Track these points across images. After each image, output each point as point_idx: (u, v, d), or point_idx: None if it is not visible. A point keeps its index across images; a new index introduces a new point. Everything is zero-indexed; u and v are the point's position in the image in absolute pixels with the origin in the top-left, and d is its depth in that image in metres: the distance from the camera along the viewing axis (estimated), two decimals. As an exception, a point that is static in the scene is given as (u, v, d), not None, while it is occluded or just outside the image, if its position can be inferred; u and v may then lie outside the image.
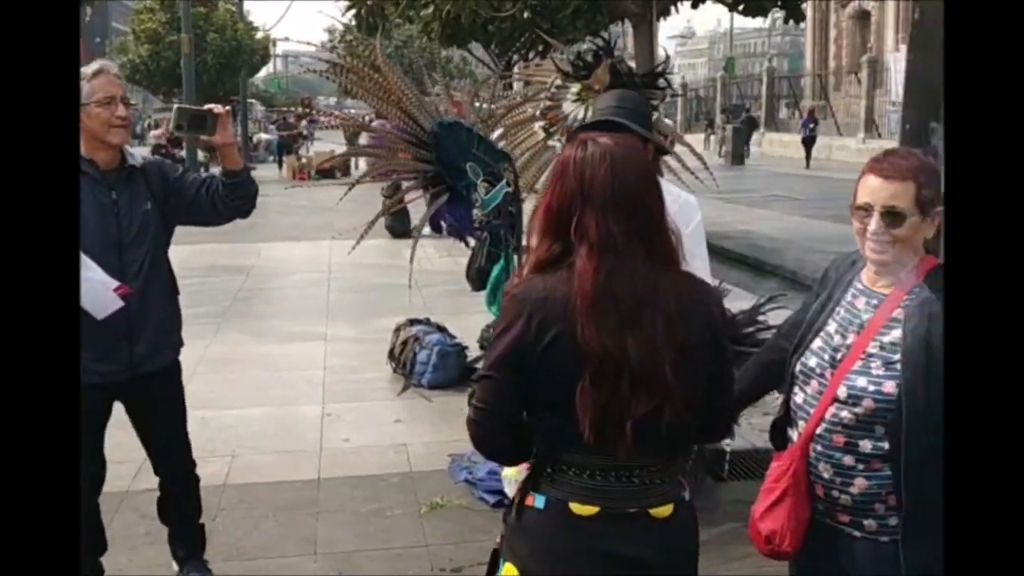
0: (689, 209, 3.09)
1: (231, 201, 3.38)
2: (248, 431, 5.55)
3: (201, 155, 24.47)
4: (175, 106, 3.47)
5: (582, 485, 1.92)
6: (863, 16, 39.07)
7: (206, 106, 3.31)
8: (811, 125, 29.33)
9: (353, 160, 21.75)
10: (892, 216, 2.14)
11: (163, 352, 3.43)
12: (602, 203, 1.88)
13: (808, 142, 28.62)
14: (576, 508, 1.91)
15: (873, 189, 2.18)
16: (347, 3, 12.96)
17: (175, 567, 3.72)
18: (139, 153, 3.52)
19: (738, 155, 28.83)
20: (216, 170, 3.47)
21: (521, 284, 1.95)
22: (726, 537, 4.17)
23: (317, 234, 14.01)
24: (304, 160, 25.12)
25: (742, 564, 3.94)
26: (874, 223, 2.16)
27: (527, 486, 1.99)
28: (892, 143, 22.84)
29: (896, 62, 23.70)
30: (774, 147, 33.06)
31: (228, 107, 3.45)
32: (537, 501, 1.96)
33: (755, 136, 32.95)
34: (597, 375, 1.83)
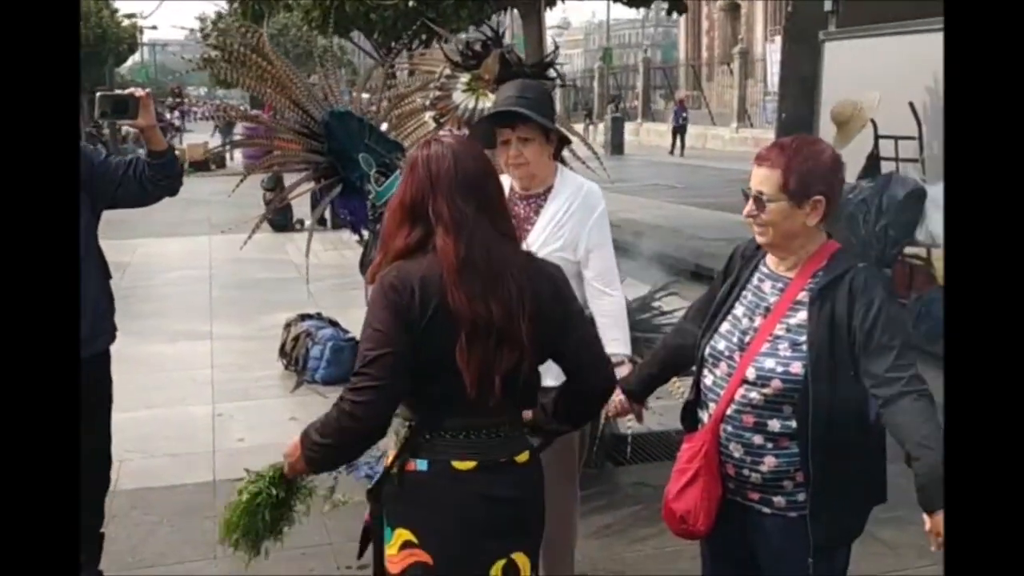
0: (592, 198, 3.11)
1: (159, 180, 3.45)
2: (136, 434, 5.35)
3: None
4: (97, 94, 3.44)
5: (459, 444, 2.16)
6: (734, 8, 40.24)
7: (127, 90, 3.39)
8: (683, 115, 30.34)
9: (228, 152, 21.23)
10: (759, 201, 2.26)
11: (101, 336, 3.47)
12: (449, 188, 2.15)
13: (679, 131, 29.63)
14: (457, 465, 2.16)
15: (752, 176, 2.30)
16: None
17: None
18: None
19: (617, 144, 29.32)
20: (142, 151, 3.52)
21: (394, 269, 2.14)
22: (629, 520, 4.25)
23: (195, 229, 13.61)
24: (177, 152, 24.29)
25: (644, 545, 4.02)
26: (746, 207, 2.29)
27: (405, 455, 2.18)
28: (766, 132, 23.51)
29: (771, 53, 24.52)
30: (651, 137, 33.75)
31: (149, 90, 3.46)
32: (419, 465, 2.17)
33: (631, 126, 33.59)
34: (471, 336, 2.08)
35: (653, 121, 36.03)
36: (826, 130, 8.01)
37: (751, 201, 2.28)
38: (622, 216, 13.69)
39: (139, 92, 3.35)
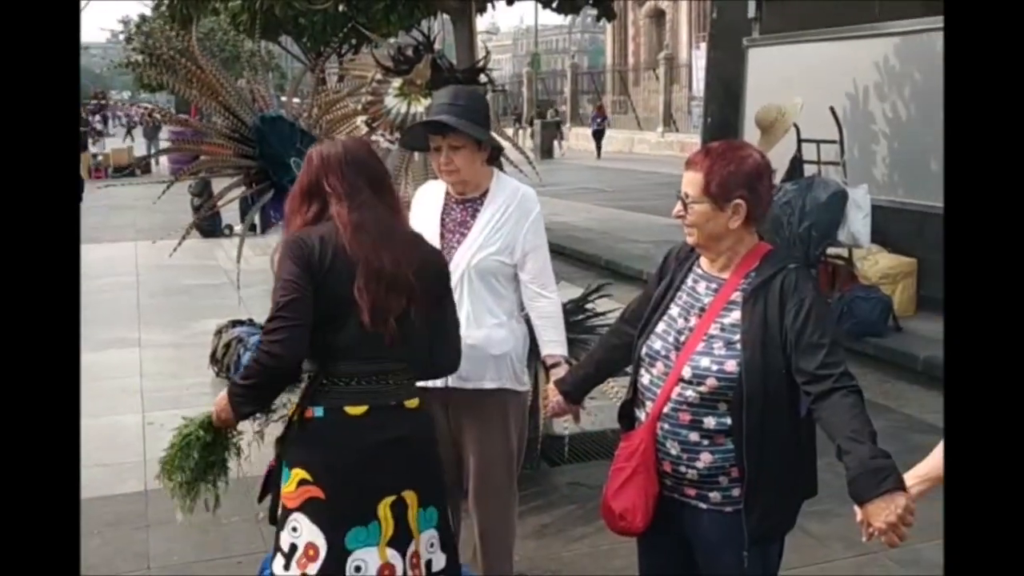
0: (528, 201, 3.15)
1: None
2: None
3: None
4: None
5: (351, 391, 2.43)
6: (659, 15, 40.78)
7: None
8: (599, 119, 31.80)
9: (154, 157, 20.81)
10: (684, 202, 2.35)
11: None
12: (340, 166, 2.48)
13: (597, 135, 30.89)
14: (350, 410, 2.42)
15: (683, 178, 2.37)
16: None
17: None
18: None
19: (547, 149, 29.52)
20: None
21: (297, 232, 2.45)
22: (566, 519, 4.30)
23: (119, 235, 13.33)
24: (100, 157, 23.78)
25: (581, 544, 4.07)
26: (676, 207, 2.38)
27: (304, 403, 2.44)
28: (691, 136, 23.86)
29: (696, 59, 24.90)
30: (580, 141, 34.01)
31: None
32: (316, 411, 2.43)
33: (560, 130, 33.90)
34: (367, 277, 2.37)
35: (581, 126, 36.33)
36: (751, 134, 8.20)
37: (679, 202, 2.36)
38: (554, 219, 13.79)
39: None
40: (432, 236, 3.10)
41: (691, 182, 2.33)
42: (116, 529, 4.23)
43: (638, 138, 31.92)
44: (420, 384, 3.10)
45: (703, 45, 19.02)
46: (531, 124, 32.58)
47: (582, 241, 12.33)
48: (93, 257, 11.85)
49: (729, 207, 2.31)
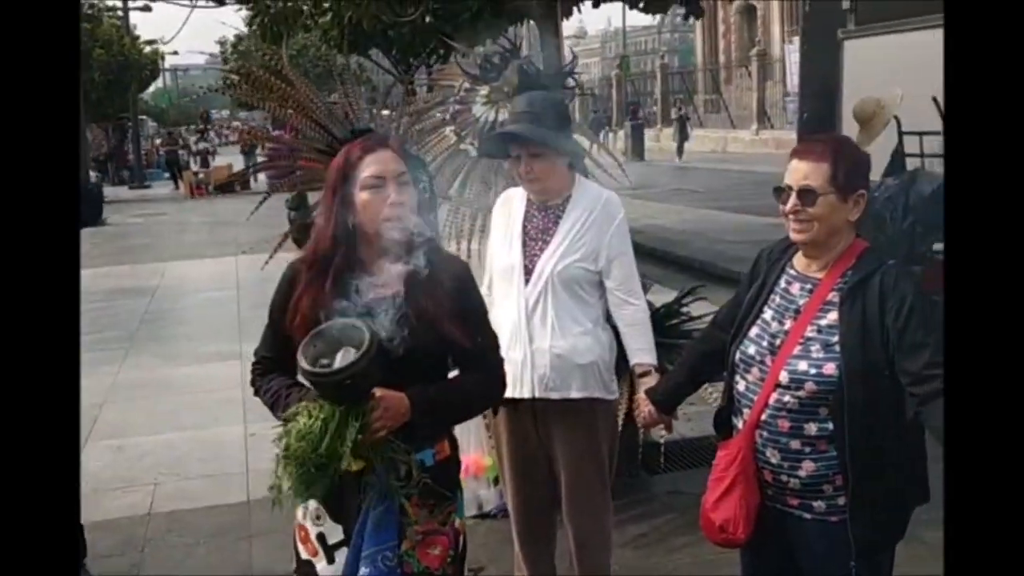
0: (612, 206, 3.10)
1: None
2: (169, 457, 5.39)
3: (94, 176, 23.74)
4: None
5: None
6: (750, 11, 40.08)
7: None
8: (633, 122, 31.07)
9: (252, 174, 21.41)
10: (806, 194, 2.22)
11: None
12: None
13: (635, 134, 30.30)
14: None
15: (791, 171, 2.27)
16: (249, 12, 12.67)
17: None
18: None
19: (637, 151, 29.30)
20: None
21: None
22: (665, 529, 4.22)
23: (221, 250, 13.69)
24: (202, 175, 24.56)
25: (683, 554, 3.98)
26: (790, 202, 2.24)
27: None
28: (787, 133, 23.32)
29: (790, 54, 24.40)
30: (671, 142, 33.65)
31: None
32: None
33: (651, 132, 33.53)
34: None
35: (673, 127, 35.96)
36: (849, 128, 7.95)
37: (795, 195, 2.23)
38: (645, 223, 13.67)
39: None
40: (514, 244, 3.07)
41: (814, 172, 2.22)
42: (220, 538, 4.32)
43: (731, 136, 31.40)
44: (508, 396, 3.08)
45: (796, 39, 18.61)
46: (620, 127, 32.36)
47: (677, 244, 12.16)
48: (195, 273, 12.25)
49: (852, 199, 2.22)
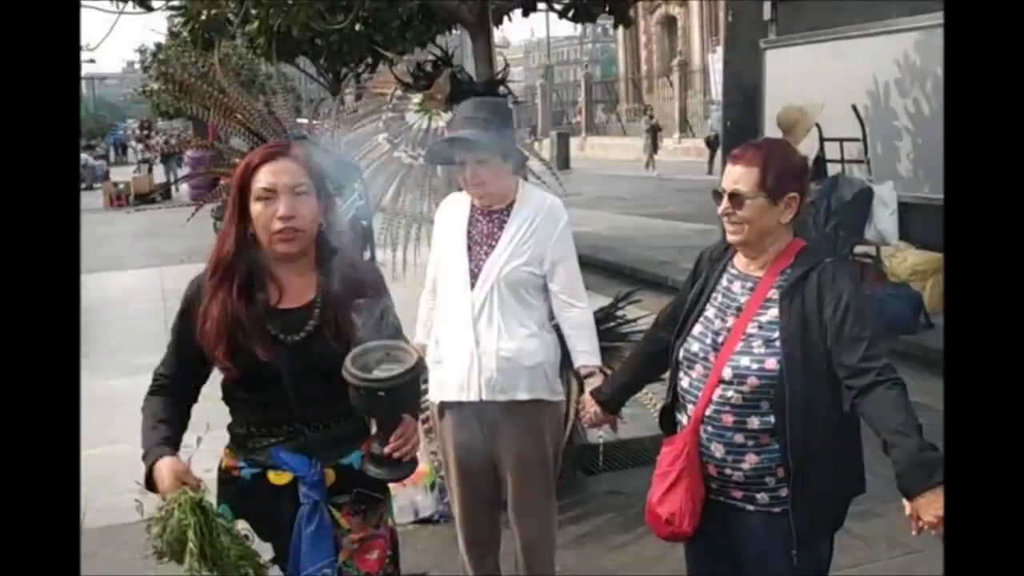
0: (555, 211, 3.15)
1: None
2: (101, 471, 5.25)
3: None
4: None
5: None
6: (670, 22, 40.73)
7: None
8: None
9: (174, 184, 21.03)
10: (736, 198, 2.30)
11: None
12: None
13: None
14: None
15: (726, 174, 2.36)
16: (180, 19, 12.47)
17: None
18: None
19: (563, 159, 29.53)
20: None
21: None
22: (605, 528, 4.27)
23: (145, 261, 13.41)
24: (121, 186, 24.01)
25: (623, 552, 4.04)
26: (722, 204, 2.32)
27: None
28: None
29: (713, 63, 24.80)
30: (595, 151, 34.02)
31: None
32: None
33: (576, 141, 33.78)
34: None
35: (597, 135, 36.33)
36: (772, 135, 8.17)
37: (726, 199, 2.31)
38: (576, 229, 13.76)
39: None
40: (458, 249, 3.10)
41: (744, 177, 2.29)
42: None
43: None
44: (455, 399, 3.11)
45: (719, 49, 18.98)
46: (545, 136, 32.54)
47: (605, 250, 12.30)
48: (119, 284, 11.97)
49: (783, 202, 2.30)
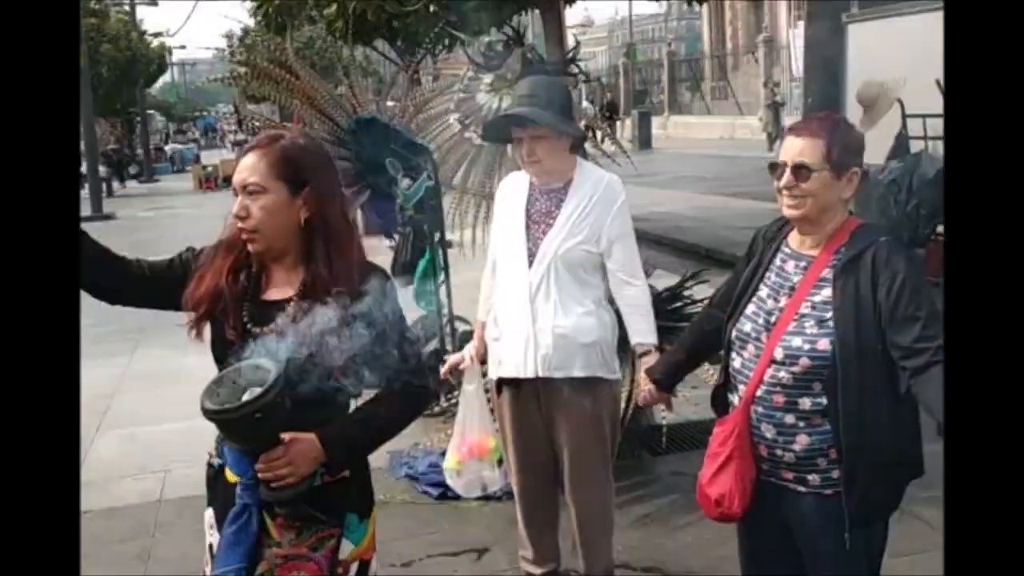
0: (613, 189, 3.14)
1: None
2: (180, 444, 5.43)
3: (104, 170, 23.81)
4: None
5: None
6: (756, -4, 39.95)
7: None
8: None
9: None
10: (800, 170, 2.24)
11: None
12: None
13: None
14: None
15: (787, 147, 2.30)
16: (254, 4, 12.72)
17: None
18: None
19: (644, 139, 29.26)
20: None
21: None
22: (667, 509, 4.26)
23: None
24: (210, 168, 24.65)
25: (684, 533, 4.03)
26: (784, 177, 2.27)
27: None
28: (793, 119, 23.21)
29: (795, 39, 24.23)
30: (678, 130, 33.58)
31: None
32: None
33: (659, 120, 33.41)
34: None
35: (680, 114, 35.87)
36: (853, 112, 7.96)
37: (788, 172, 2.26)
38: (653, 209, 13.68)
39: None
40: (517, 227, 3.11)
41: (809, 149, 2.23)
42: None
43: (739, 123, 31.31)
44: (512, 376, 3.13)
45: (801, 24, 18.54)
46: (627, 116, 32.26)
47: (681, 230, 12.18)
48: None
49: (845, 176, 2.25)
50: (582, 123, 5.09)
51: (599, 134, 6.15)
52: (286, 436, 1.99)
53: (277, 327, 2.01)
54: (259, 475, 2.00)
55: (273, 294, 2.14)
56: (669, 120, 35.08)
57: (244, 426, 1.91)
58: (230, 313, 2.11)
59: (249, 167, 2.10)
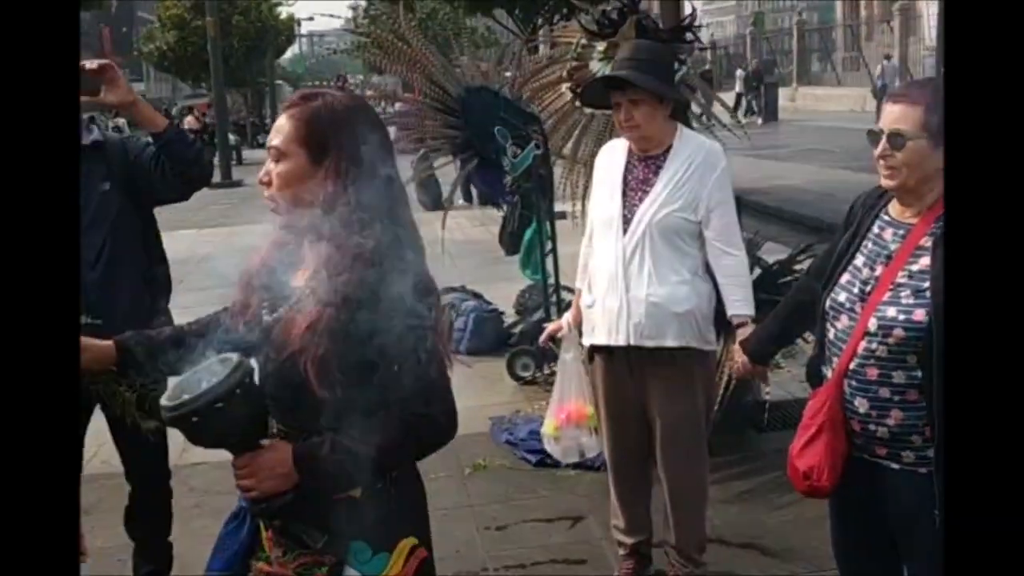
0: (713, 156, 3.08)
1: (173, 167, 2.93)
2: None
3: (233, 138, 24.62)
4: None
5: None
6: (894, -38, 38.29)
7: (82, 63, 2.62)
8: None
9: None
10: (896, 138, 2.14)
11: None
12: None
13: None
14: None
15: (885, 114, 2.20)
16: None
17: None
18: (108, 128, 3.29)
19: (771, 111, 28.48)
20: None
21: None
22: (769, 485, 4.18)
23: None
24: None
25: (785, 512, 3.95)
26: (880, 146, 2.16)
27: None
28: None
29: (929, 8, 23.19)
30: (807, 101, 32.54)
31: (108, 61, 2.84)
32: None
33: (787, 91, 32.45)
34: None
35: (810, 85, 34.75)
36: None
37: (884, 140, 2.16)
38: (775, 183, 13.35)
39: (93, 63, 2.71)
40: (614, 194, 3.09)
41: (906, 116, 2.13)
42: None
43: (871, 95, 30.16)
44: (604, 343, 3.11)
45: (938, -9, 17.69)
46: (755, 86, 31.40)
47: (800, 203, 11.84)
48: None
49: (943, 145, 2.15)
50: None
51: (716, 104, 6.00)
52: (265, 442, 1.77)
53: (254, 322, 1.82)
54: (238, 482, 1.79)
55: (298, 278, 1.84)
56: (797, 92, 34.02)
57: (183, 429, 1.72)
58: (251, 292, 1.92)
59: (276, 127, 1.86)
